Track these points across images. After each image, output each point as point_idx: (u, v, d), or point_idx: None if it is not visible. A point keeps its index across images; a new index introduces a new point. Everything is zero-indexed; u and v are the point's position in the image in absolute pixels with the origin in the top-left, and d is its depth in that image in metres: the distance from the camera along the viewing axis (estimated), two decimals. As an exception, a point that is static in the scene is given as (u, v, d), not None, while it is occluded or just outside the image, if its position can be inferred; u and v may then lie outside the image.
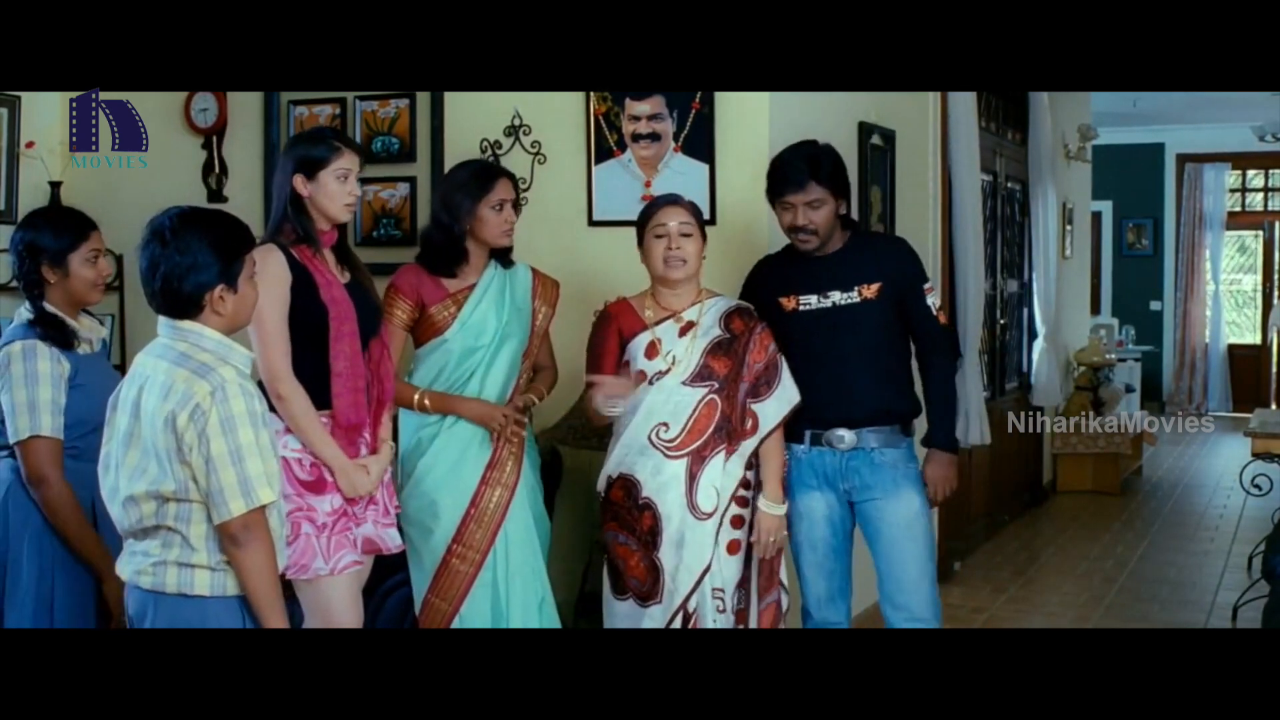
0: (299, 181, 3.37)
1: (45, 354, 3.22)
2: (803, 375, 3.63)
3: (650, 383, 3.59)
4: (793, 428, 3.67)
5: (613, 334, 3.68)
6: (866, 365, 3.62)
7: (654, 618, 3.58)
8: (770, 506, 3.60)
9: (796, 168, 3.60)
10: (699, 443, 3.56)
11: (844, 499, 3.69)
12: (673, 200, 3.65)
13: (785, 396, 3.61)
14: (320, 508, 3.29)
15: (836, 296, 3.62)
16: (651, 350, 3.61)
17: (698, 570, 3.55)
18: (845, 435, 3.64)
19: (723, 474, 3.57)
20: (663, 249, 3.57)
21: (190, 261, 2.60)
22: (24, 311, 3.32)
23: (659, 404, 3.58)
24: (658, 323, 3.64)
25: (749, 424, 3.60)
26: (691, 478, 3.55)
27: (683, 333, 3.62)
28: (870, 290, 3.61)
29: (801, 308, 3.67)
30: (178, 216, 2.64)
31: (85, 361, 3.32)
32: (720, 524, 3.57)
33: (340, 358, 3.35)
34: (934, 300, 3.72)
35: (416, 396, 3.75)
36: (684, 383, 3.57)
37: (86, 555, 3.24)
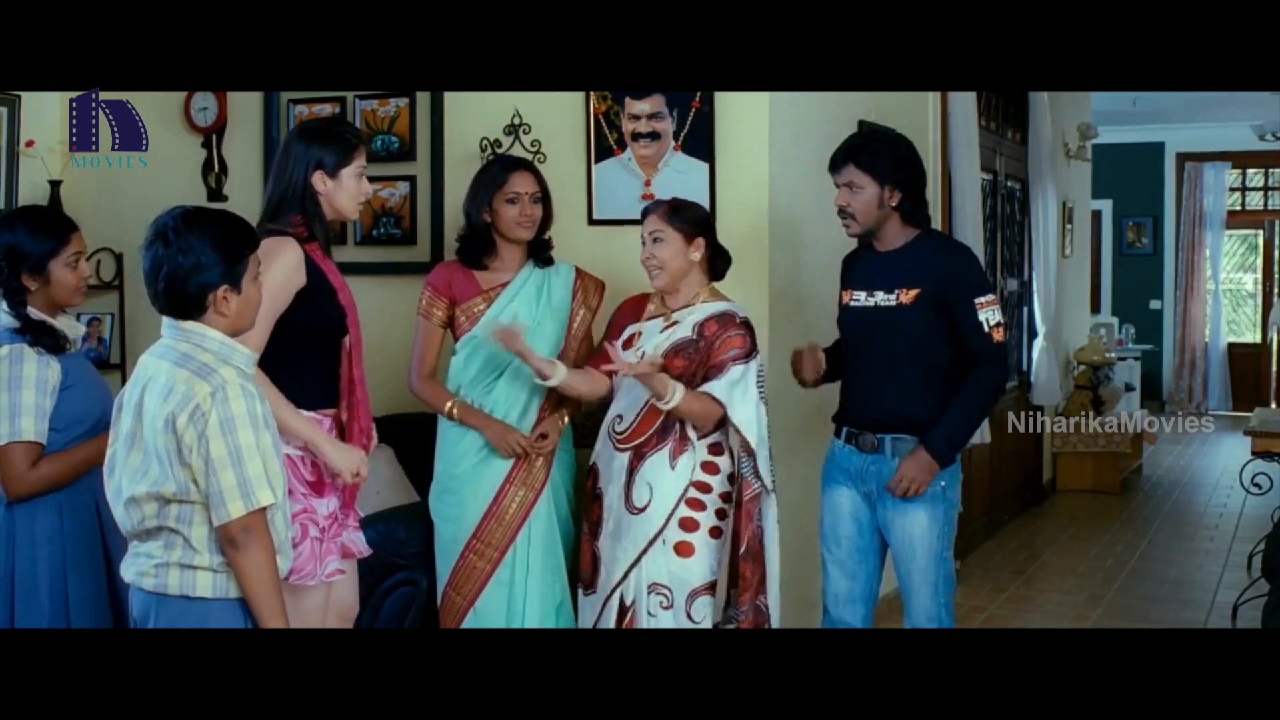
0: (319, 179, 3.27)
1: (32, 358, 3.17)
2: (846, 371, 3.73)
3: (623, 374, 3.64)
4: (835, 424, 3.75)
5: (615, 327, 3.76)
6: (893, 371, 3.59)
7: (593, 606, 3.67)
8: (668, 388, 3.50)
9: (839, 149, 3.65)
10: (642, 439, 3.61)
11: (868, 499, 3.68)
12: (651, 206, 3.69)
13: (717, 388, 3.53)
14: (320, 510, 3.26)
15: (880, 297, 3.60)
16: (629, 343, 3.67)
17: (625, 563, 3.60)
18: (869, 437, 3.64)
19: (668, 474, 3.58)
20: (644, 255, 3.63)
21: (194, 262, 2.59)
22: (5, 317, 3.23)
23: (622, 396, 3.66)
24: (650, 319, 3.69)
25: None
26: (631, 471, 3.60)
27: (664, 330, 3.66)
28: (908, 296, 3.56)
29: (851, 303, 3.69)
30: (182, 216, 2.62)
31: (73, 361, 3.28)
32: (665, 524, 3.57)
33: (359, 364, 3.34)
34: (989, 315, 3.54)
35: (448, 405, 3.80)
36: None
37: (98, 457, 3.11)
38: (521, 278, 3.84)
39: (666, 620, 3.59)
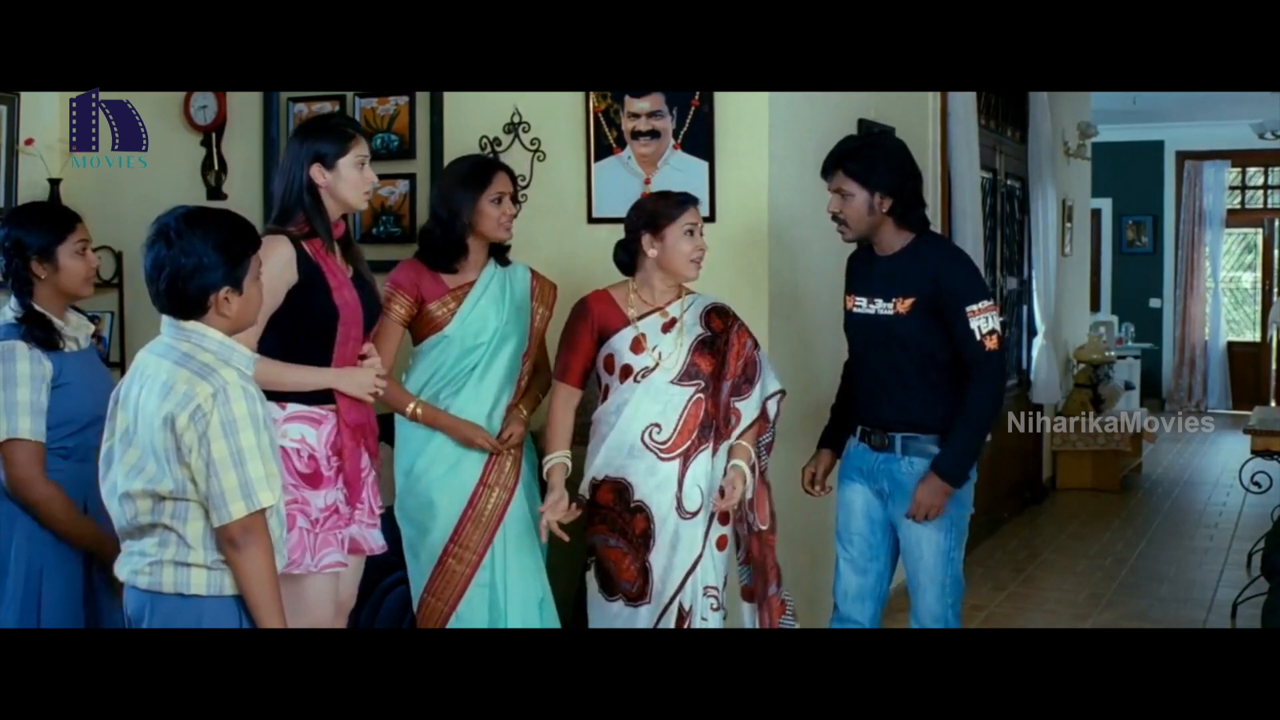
0: (316, 171, 3.31)
1: (25, 355, 3.16)
2: (855, 374, 3.76)
3: (636, 380, 3.59)
4: (850, 420, 3.77)
5: (586, 329, 3.66)
6: (897, 376, 3.60)
7: (644, 618, 3.60)
8: (744, 468, 3.60)
9: (829, 155, 3.63)
10: (688, 443, 3.58)
11: (881, 496, 3.69)
12: (695, 200, 3.65)
13: (764, 390, 3.67)
14: (314, 502, 3.29)
15: (879, 305, 3.61)
16: (637, 345, 3.61)
17: (683, 569, 3.57)
18: (879, 436, 3.66)
19: (709, 472, 3.60)
20: (692, 247, 3.57)
21: (196, 262, 2.59)
22: (8, 311, 3.25)
23: (647, 404, 3.57)
24: (641, 317, 3.64)
25: (732, 421, 3.64)
26: (680, 478, 3.57)
27: (666, 329, 3.62)
28: (904, 305, 3.55)
29: (854, 309, 3.70)
30: (183, 217, 2.62)
31: (71, 360, 3.27)
32: (710, 521, 3.60)
33: (344, 361, 3.35)
34: (981, 323, 3.50)
35: (410, 406, 3.75)
36: (672, 381, 3.58)
37: (87, 544, 3.20)
38: (486, 276, 3.82)
39: (715, 622, 3.61)
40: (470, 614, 3.76)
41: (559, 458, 3.63)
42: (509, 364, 3.82)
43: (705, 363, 3.60)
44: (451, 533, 3.75)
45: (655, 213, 3.59)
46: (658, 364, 3.59)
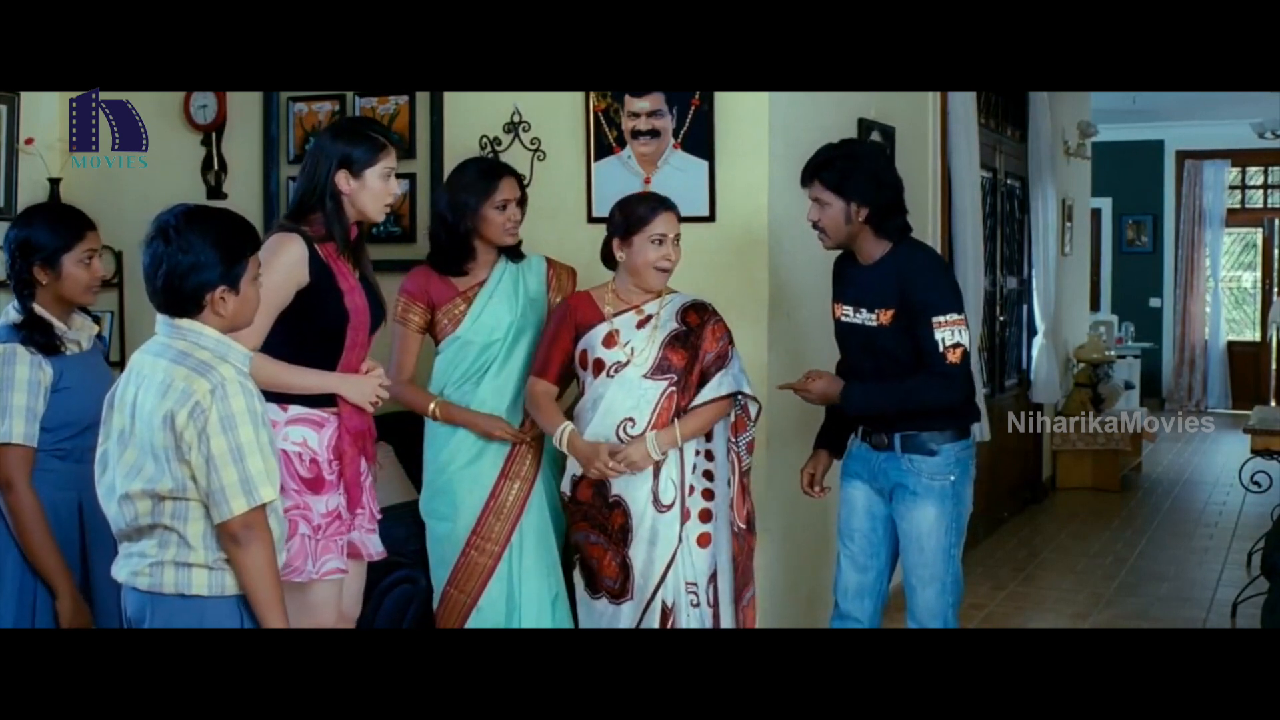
0: (342, 179, 3.28)
1: (25, 359, 3.14)
2: (851, 378, 3.71)
3: (609, 375, 3.61)
4: (847, 421, 3.76)
5: (566, 328, 3.69)
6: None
7: (627, 615, 3.62)
8: (652, 440, 3.55)
9: (806, 165, 3.63)
10: None
11: (883, 495, 3.70)
12: (669, 205, 3.65)
13: (725, 383, 3.62)
14: (315, 508, 3.27)
15: (864, 315, 3.62)
16: (609, 340, 3.64)
17: (663, 562, 3.59)
18: (880, 436, 3.66)
19: (677, 465, 3.62)
20: (658, 256, 3.59)
21: (193, 260, 2.59)
22: (10, 311, 3.22)
23: (620, 399, 3.60)
24: (616, 314, 3.66)
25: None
26: (655, 473, 3.59)
27: (640, 325, 3.65)
28: (885, 316, 3.56)
29: (842, 318, 3.71)
30: (183, 215, 2.62)
31: (73, 362, 3.25)
32: (686, 516, 3.61)
33: (349, 366, 3.34)
34: (947, 334, 3.46)
35: (430, 406, 3.80)
36: (645, 375, 3.60)
37: (44, 569, 3.15)
38: (496, 275, 3.85)
39: (695, 619, 3.62)
40: (490, 606, 3.79)
41: (567, 426, 3.63)
42: (526, 357, 3.85)
43: (677, 357, 3.61)
44: (474, 524, 3.79)
45: (626, 218, 3.63)
46: (630, 359, 3.61)
